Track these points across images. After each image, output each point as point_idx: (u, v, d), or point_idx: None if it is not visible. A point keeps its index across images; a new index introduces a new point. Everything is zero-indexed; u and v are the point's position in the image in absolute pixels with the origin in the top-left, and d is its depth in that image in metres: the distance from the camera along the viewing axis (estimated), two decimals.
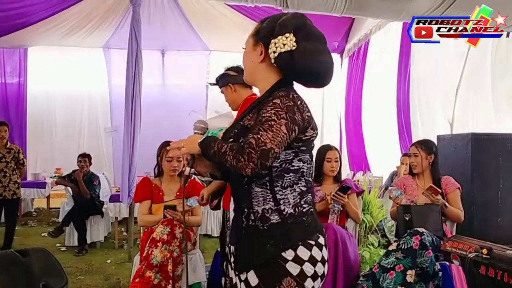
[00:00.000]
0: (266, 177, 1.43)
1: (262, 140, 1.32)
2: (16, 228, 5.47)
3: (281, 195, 1.44)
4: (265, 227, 1.42)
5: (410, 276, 2.76)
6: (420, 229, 2.94)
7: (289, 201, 1.45)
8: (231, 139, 1.47)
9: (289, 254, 1.40)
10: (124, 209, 5.19)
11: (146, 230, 3.16)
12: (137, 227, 3.60)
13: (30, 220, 7.24)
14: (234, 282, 1.52)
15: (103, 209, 5.65)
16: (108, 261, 4.90)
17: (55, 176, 6.86)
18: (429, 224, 3.08)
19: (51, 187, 6.95)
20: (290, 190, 1.45)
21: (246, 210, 1.46)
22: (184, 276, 3.02)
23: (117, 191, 5.62)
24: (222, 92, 2.83)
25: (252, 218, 1.44)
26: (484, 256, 2.52)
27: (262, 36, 1.50)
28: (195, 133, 1.62)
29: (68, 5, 5.93)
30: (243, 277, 1.45)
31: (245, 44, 1.58)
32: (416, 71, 5.60)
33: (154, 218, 3.15)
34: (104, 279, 4.19)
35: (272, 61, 1.47)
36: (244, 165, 1.31)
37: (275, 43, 1.45)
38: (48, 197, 7.21)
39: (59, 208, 6.50)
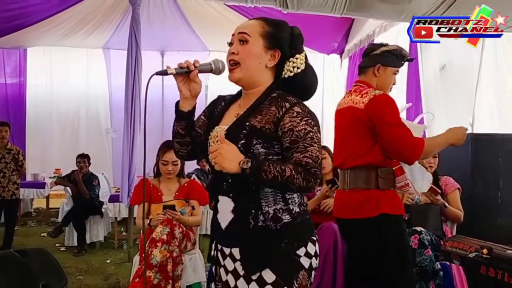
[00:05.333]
0: None
1: (315, 155, 1.38)
2: (16, 228, 5.47)
3: (289, 194, 1.46)
4: (278, 227, 1.43)
5: None
6: (418, 228, 2.95)
7: (295, 200, 1.48)
8: (243, 141, 1.41)
9: (301, 251, 1.44)
10: (123, 209, 5.19)
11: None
12: (137, 227, 3.61)
13: (29, 220, 7.23)
14: (233, 285, 1.48)
15: (103, 209, 5.65)
16: (108, 261, 4.90)
17: (54, 177, 6.85)
18: (428, 223, 3.08)
19: (51, 187, 6.94)
20: None
21: (253, 211, 1.43)
22: (183, 276, 3.02)
23: (116, 191, 5.62)
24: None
25: (262, 219, 1.43)
26: (484, 256, 2.52)
27: (281, 44, 1.51)
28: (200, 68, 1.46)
29: (68, 5, 5.91)
30: (254, 276, 1.42)
31: (250, 40, 1.48)
32: (428, 72, 5.44)
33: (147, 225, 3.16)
34: (103, 279, 4.19)
35: (285, 76, 1.52)
36: (313, 184, 1.37)
37: (294, 62, 1.51)
38: (47, 197, 7.21)
39: (58, 208, 6.48)
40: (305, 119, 1.40)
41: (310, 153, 1.37)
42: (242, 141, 1.40)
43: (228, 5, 5.40)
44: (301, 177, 1.34)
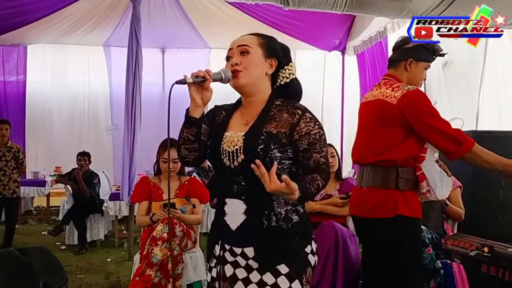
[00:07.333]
0: None
1: (326, 155, 1.57)
2: (16, 227, 5.46)
3: None
4: (289, 226, 1.56)
5: None
6: None
7: None
8: (262, 146, 1.51)
9: (308, 248, 1.58)
10: (124, 207, 5.19)
11: (146, 228, 3.16)
12: (137, 225, 3.62)
13: (30, 218, 7.23)
14: (242, 276, 1.55)
15: (103, 208, 5.64)
16: (108, 259, 4.90)
17: (54, 175, 6.85)
18: (429, 221, 3.08)
19: (51, 186, 6.94)
20: None
21: (267, 212, 1.54)
22: (184, 274, 3.02)
23: (117, 189, 5.61)
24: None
25: (275, 219, 1.54)
26: (485, 254, 2.50)
27: (277, 54, 1.65)
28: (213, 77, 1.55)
29: (68, 3, 5.90)
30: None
31: (251, 50, 1.60)
32: (431, 68, 5.36)
33: (148, 221, 3.19)
34: (104, 278, 4.19)
35: (282, 82, 1.67)
36: (327, 182, 1.54)
37: (289, 69, 1.67)
38: (48, 196, 7.20)
39: (59, 206, 6.49)
40: (317, 123, 1.57)
41: (324, 153, 1.55)
42: (261, 146, 1.51)
43: (229, 2, 5.39)
44: (323, 182, 1.50)
